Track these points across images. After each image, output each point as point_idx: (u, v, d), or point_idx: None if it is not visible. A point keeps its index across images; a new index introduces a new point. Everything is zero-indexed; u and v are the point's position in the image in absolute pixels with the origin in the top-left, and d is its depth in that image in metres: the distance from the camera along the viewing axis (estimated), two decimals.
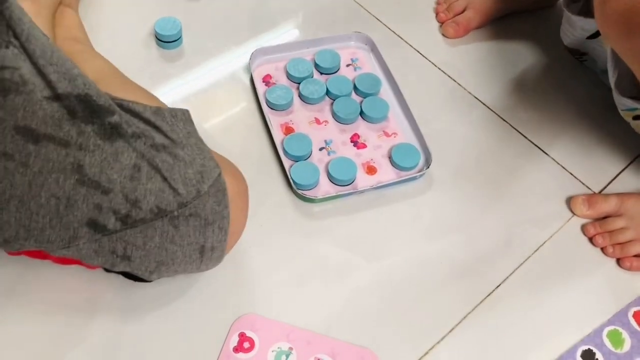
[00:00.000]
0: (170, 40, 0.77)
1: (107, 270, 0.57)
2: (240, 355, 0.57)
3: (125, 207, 0.49)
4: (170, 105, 0.56)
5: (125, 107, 0.52)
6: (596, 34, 0.69)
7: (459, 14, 0.83)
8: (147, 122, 0.52)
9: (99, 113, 0.50)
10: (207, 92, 0.75)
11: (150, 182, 0.48)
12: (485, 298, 0.62)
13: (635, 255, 0.63)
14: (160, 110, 0.54)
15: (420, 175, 0.69)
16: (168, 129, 0.52)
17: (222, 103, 0.74)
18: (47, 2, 0.67)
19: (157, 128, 0.52)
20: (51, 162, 0.47)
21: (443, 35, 0.83)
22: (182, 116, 0.55)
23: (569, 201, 0.68)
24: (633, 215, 0.64)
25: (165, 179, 0.48)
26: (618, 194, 0.67)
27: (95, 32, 0.73)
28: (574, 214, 0.67)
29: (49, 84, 0.48)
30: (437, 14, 0.85)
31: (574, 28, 0.71)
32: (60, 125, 0.49)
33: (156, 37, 0.77)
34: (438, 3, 0.86)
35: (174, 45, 0.77)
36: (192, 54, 0.78)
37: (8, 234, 0.49)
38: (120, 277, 0.58)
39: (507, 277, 0.63)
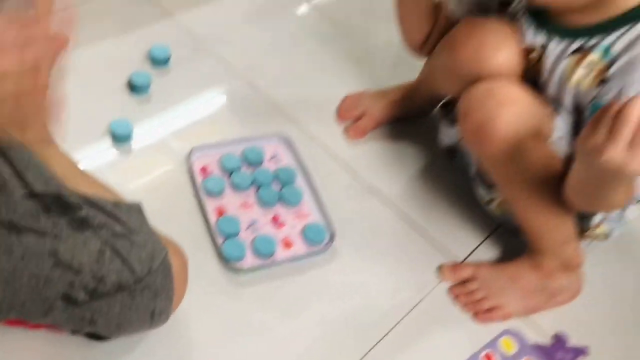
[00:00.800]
0: (123, 137, 0.93)
1: (73, 331, 0.70)
2: None
3: (92, 283, 0.61)
4: (120, 190, 0.71)
5: (90, 202, 0.66)
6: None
7: (358, 119, 1.04)
8: (108, 214, 0.66)
9: (69, 209, 0.64)
10: (152, 180, 0.91)
11: (112, 263, 0.62)
12: (369, 351, 0.78)
13: (487, 310, 0.83)
14: (119, 204, 0.69)
15: (327, 249, 0.87)
16: (125, 220, 0.66)
17: (166, 190, 0.90)
18: None
19: (116, 219, 0.66)
20: (31, 249, 0.60)
21: (347, 137, 1.03)
22: (136, 208, 0.70)
23: (439, 268, 0.88)
24: (485, 279, 0.84)
25: (124, 260, 0.62)
26: (475, 264, 0.87)
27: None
28: (442, 279, 0.87)
29: (26, 185, 0.63)
30: (340, 116, 1.05)
31: (448, 133, 0.93)
32: (38, 219, 0.62)
33: (112, 135, 0.93)
34: (340, 109, 1.06)
35: (126, 141, 0.93)
36: (140, 149, 0.94)
37: None
38: (82, 336, 0.71)
39: (387, 333, 0.80)
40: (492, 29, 0.80)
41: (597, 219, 0.81)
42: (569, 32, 0.75)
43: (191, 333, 0.76)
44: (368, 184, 0.97)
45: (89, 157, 0.89)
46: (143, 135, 0.95)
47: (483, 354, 0.80)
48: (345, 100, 1.06)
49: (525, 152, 0.74)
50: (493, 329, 0.83)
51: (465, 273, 0.85)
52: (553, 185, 0.75)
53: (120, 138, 0.92)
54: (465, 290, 0.84)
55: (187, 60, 1.08)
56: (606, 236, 0.84)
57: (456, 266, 0.87)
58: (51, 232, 0.62)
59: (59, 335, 0.71)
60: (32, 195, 0.63)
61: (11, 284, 0.60)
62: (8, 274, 0.60)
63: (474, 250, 0.91)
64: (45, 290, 0.61)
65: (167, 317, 0.68)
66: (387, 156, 1.02)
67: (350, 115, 1.05)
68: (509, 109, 0.73)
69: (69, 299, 0.61)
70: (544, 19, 0.78)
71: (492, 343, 0.81)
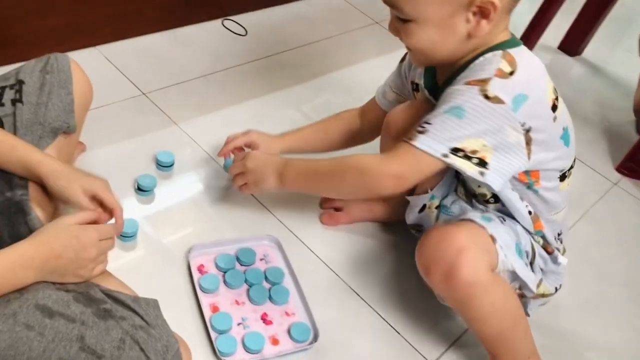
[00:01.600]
0: (129, 235, 1.02)
1: None
2: None
3: None
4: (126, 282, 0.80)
5: (113, 297, 0.76)
6: (423, 208, 1.02)
7: (337, 209, 1.16)
8: (129, 308, 0.75)
9: (96, 301, 0.73)
10: (154, 274, 0.99)
11: (131, 351, 0.70)
12: None
13: None
14: (137, 299, 0.78)
15: (311, 347, 0.95)
16: (144, 314, 0.75)
17: (166, 285, 0.98)
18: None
19: (136, 313, 0.75)
20: (61, 333, 0.68)
21: (320, 221, 1.15)
22: (153, 304, 0.79)
23: None
24: None
25: (142, 349, 0.70)
26: None
27: None
28: None
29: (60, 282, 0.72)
30: (321, 204, 1.17)
31: (412, 210, 1.05)
32: (69, 306, 0.71)
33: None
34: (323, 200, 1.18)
35: (132, 238, 1.03)
36: (144, 245, 1.03)
37: None
38: None
39: None
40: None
41: (532, 283, 0.91)
42: (437, 89, 0.92)
43: None
44: (348, 285, 1.07)
45: None
46: (147, 232, 1.05)
47: None
48: None
49: (488, 289, 0.84)
50: None
51: None
52: (516, 307, 0.88)
53: (127, 235, 1.02)
54: None
55: (189, 165, 1.19)
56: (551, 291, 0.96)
57: None
58: (79, 319, 0.70)
59: None
60: (65, 289, 0.72)
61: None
62: (37, 354, 0.67)
63: (443, 353, 1.00)
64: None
65: None
66: (364, 254, 1.12)
67: (331, 204, 1.17)
68: (467, 254, 0.82)
69: None
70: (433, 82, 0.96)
71: None
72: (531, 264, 0.93)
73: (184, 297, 0.97)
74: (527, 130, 0.83)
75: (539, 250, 0.94)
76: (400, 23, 0.85)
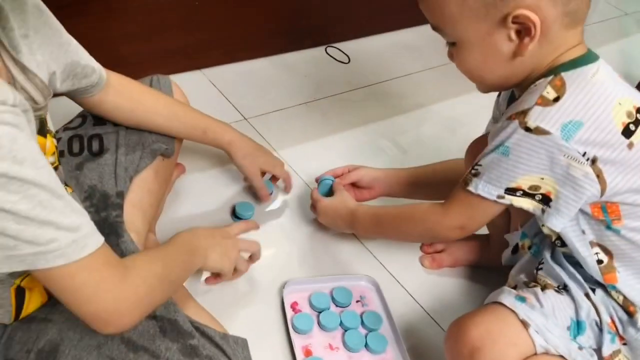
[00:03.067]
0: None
1: None
2: None
3: None
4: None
5: (200, 331, 0.71)
6: (516, 249, 0.93)
7: (438, 252, 1.08)
8: (217, 346, 0.71)
9: (183, 335, 0.69)
10: (247, 307, 0.94)
11: None
12: None
13: None
14: (226, 336, 0.73)
15: None
16: (231, 353, 0.71)
17: (258, 320, 0.93)
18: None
19: (223, 352, 0.70)
20: None
21: (421, 264, 1.07)
22: (242, 343, 0.74)
23: None
24: None
25: None
26: None
27: None
28: None
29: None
30: (422, 247, 1.10)
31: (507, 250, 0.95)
32: (154, 340, 0.67)
33: None
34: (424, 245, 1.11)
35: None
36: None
37: None
38: None
39: None
40: None
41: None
42: None
43: None
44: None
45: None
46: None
47: None
48: None
49: None
50: None
51: None
52: None
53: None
54: None
55: (288, 195, 1.15)
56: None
57: None
58: (164, 355, 0.66)
59: None
60: (152, 317, 0.68)
61: None
62: None
63: None
64: None
65: None
66: (469, 302, 1.03)
67: (433, 247, 1.09)
68: (480, 356, 0.74)
69: None
70: None
71: None
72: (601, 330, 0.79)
73: (276, 336, 0.92)
74: (593, 161, 0.72)
75: (617, 311, 0.80)
76: (451, 47, 0.81)
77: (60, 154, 0.83)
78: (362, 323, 0.95)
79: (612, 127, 0.74)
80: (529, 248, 0.90)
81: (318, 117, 1.38)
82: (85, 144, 0.86)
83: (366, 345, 0.92)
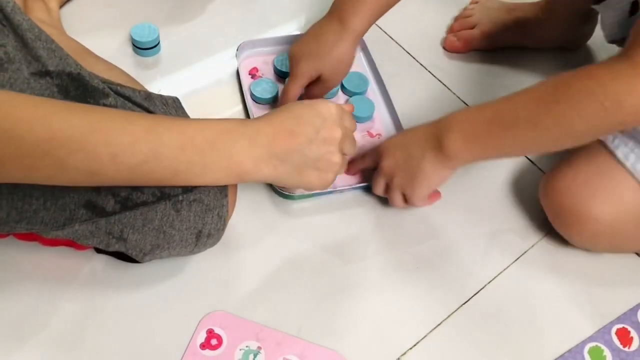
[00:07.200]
0: (148, 47, 0.74)
1: (98, 251, 0.56)
2: (207, 352, 0.55)
3: (125, 190, 0.48)
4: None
5: (115, 91, 0.51)
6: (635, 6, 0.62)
7: (468, 29, 0.81)
8: (139, 107, 0.51)
9: (93, 94, 0.48)
10: (191, 80, 0.73)
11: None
12: (461, 305, 0.61)
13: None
14: (151, 96, 0.53)
15: None
16: (156, 111, 0.51)
17: (207, 94, 0.73)
18: None
19: (149, 112, 0.51)
20: None
21: (444, 48, 0.81)
22: (174, 104, 0.54)
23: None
24: None
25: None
26: None
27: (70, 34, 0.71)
28: None
29: (37, 58, 0.47)
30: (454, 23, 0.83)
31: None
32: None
33: (133, 45, 0.74)
34: (457, 18, 0.84)
35: (151, 52, 0.74)
36: (170, 60, 0.75)
37: None
38: (105, 257, 0.57)
39: (485, 285, 0.62)
40: None
41: None
42: None
43: (226, 272, 0.60)
44: (459, 100, 0.76)
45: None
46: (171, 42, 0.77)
47: (615, 328, 0.60)
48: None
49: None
50: None
51: None
52: None
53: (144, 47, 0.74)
54: None
55: None
56: None
57: None
58: None
59: (78, 252, 0.58)
60: (45, 72, 0.47)
61: (20, 186, 0.46)
62: None
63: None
64: (64, 195, 0.47)
65: (215, 242, 0.55)
66: (489, 83, 0.80)
67: (463, 21, 0.82)
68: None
69: (93, 208, 0.48)
70: None
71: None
72: None
73: (230, 109, 0.72)
74: None
75: None
76: None
77: None
78: (342, 87, 0.74)
79: None
80: None
81: None
82: None
83: None
